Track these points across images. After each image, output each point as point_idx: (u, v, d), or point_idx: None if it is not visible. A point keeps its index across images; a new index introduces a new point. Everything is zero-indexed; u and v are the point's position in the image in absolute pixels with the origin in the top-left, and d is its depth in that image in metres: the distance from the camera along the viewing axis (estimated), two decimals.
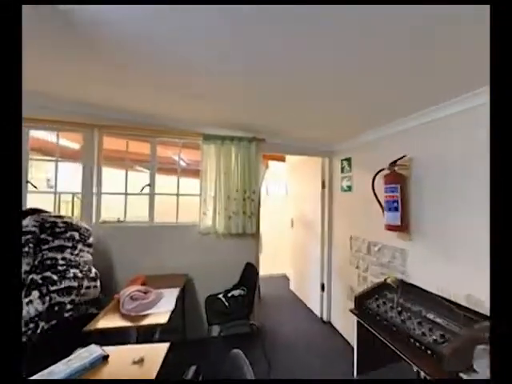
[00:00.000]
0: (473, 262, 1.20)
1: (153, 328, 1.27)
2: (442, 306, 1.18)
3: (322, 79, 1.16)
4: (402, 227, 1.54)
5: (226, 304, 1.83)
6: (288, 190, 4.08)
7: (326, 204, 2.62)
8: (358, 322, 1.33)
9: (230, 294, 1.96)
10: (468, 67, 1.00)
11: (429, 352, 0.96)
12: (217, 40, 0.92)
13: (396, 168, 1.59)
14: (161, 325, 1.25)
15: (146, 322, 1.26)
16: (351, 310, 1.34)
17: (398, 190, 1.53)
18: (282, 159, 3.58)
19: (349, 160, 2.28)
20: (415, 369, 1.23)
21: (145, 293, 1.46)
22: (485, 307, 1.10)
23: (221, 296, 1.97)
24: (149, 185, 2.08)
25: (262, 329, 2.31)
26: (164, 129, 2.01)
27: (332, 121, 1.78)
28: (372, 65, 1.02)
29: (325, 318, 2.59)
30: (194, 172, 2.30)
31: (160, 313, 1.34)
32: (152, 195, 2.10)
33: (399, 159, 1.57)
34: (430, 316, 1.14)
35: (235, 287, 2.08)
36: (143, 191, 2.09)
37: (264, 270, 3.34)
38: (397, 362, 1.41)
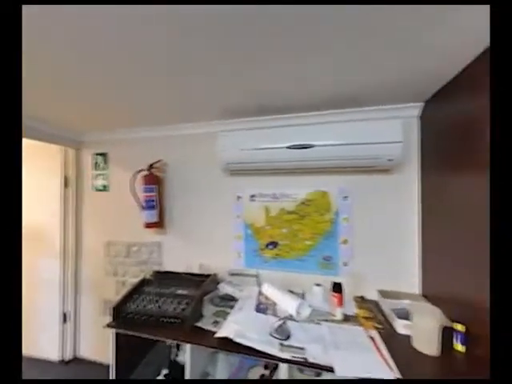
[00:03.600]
0: (207, 241, 1.74)
1: None
2: (187, 280, 1.54)
3: None
4: (159, 223, 1.74)
5: None
6: None
7: (72, 207, 2.03)
8: (116, 333, 1.22)
9: None
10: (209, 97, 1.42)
11: (178, 320, 1.19)
12: None
13: (154, 170, 1.75)
14: None
15: None
16: (108, 325, 1.19)
17: (156, 190, 1.70)
18: None
19: (104, 155, 2.00)
20: (168, 342, 1.43)
21: None
22: (211, 269, 1.65)
23: None
24: None
25: None
26: None
27: (84, 102, 1.42)
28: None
29: (68, 355, 1.99)
30: None
31: None
32: None
33: (156, 162, 1.75)
34: (180, 291, 1.42)
35: None
36: None
37: None
38: (152, 347, 1.54)
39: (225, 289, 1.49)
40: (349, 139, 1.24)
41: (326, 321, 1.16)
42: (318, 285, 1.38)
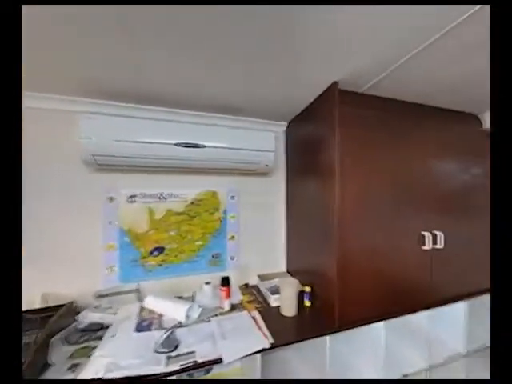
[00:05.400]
0: (59, 260, 1.25)
1: None
2: (26, 322, 1.03)
3: None
4: None
5: None
6: None
7: None
8: None
9: None
10: None
11: None
12: None
13: None
14: None
15: None
16: None
17: None
18: None
19: None
20: None
21: None
22: (64, 297, 1.21)
23: None
24: None
25: None
26: None
27: None
28: None
29: None
30: None
31: None
32: None
33: None
34: None
35: None
36: None
37: None
38: None
39: (88, 318, 1.16)
40: (235, 144, 1.36)
41: (216, 315, 1.21)
42: (207, 283, 1.41)
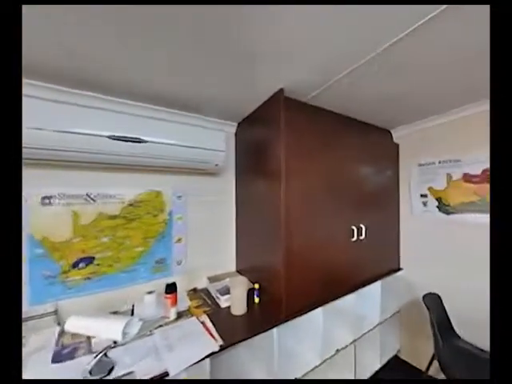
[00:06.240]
0: None
1: None
2: None
3: None
4: None
5: None
6: None
7: None
8: None
9: None
10: None
11: None
12: None
13: None
14: None
15: None
16: None
17: None
18: None
19: None
20: None
21: None
22: None
23: None
24: None
25: None
26: None
27: None
28: None
29: None
30: None
31: None
32: None
33: None
34: None
35: None
36: None
37: None
38: None
39: None
40: (184, 141, 1.28)
41: (161, 326, 1.11)
42: (149, 292, 1.27)
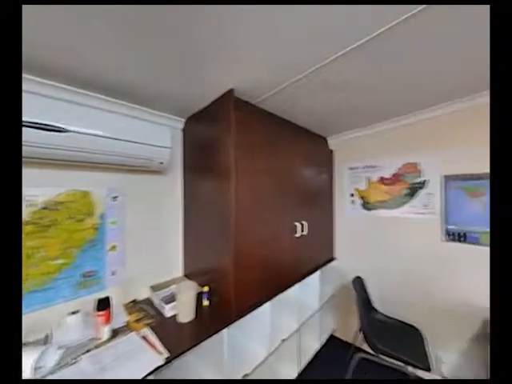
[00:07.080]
0: None
1: None
2: None
3: None
4: None
5: None
6: None
7: None
8: None
9: None
10: None
11: None
12: None
13: None
14: None
15: None
16: None
17: None
18: None
19: None
20: None
21: None
22: None
23: None
24: None
25: None
26: None
27: None
28: None
29: None
30: None
31: None
32: None
33: None
34: None
35: None
36: None
37: None
38: None
39: None
40: (121, 134, 1.12)
41: (89, 351, 0.94)
42: (73, 312, 1.07)
